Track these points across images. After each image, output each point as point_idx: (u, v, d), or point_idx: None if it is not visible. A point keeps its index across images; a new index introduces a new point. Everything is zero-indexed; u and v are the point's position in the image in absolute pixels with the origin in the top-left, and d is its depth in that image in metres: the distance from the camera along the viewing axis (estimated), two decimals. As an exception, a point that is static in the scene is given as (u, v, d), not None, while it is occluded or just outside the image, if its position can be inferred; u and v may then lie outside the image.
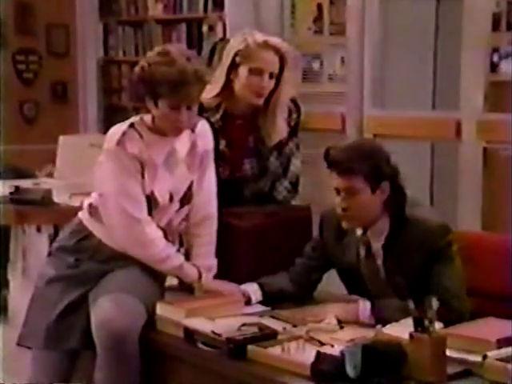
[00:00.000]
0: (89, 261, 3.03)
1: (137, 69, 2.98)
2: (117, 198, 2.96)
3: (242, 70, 3.26)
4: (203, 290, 3.04)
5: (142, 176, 2.97)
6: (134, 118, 3.05)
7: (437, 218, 2.84)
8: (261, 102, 3.30)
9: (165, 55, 2.92)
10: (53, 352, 2.96)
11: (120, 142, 2.95)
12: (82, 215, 3.10)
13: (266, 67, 3.25)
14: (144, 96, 2.95)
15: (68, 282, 3.00)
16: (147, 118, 3.02)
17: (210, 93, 3.28)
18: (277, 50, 3.26)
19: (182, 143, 3.05)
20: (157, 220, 3.02)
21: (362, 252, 2.91)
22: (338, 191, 2.81)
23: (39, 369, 2.98)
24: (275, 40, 3.30)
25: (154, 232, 2.99)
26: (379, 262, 2.88)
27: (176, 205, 3.06)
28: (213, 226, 3.15)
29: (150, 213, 3.00)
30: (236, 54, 3.27)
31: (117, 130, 3.00)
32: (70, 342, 2.94)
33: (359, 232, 2.90)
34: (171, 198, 3.03)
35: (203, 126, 3.12)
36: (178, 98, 2.88)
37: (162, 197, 3.00)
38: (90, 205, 3.08)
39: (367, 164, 2.76)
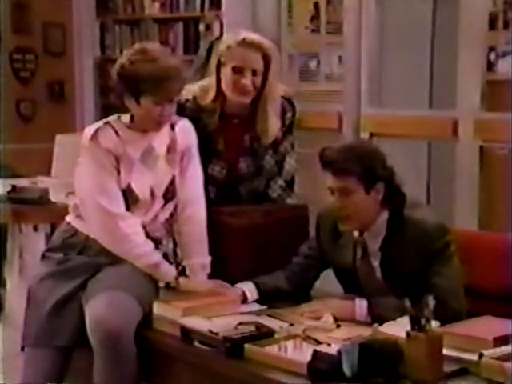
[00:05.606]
0: (78, 256, 3.04)
1: (116, 67, 3.01)
2: (92, 193, 2.99)
3: (226, 70, 3.28)
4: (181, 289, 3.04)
5: (118, 171, 3.00)
6: (111, 117, 3.08)
7: (435, 219, 2.84)
8: (247, 100, 3.30)
9: (144, 53, 2.97)
10: (45, 350, 2.95)
11: (93, 138, 3.00)
12: (69, 217, 3.13)
13: (246, 65, 3.26)
14: (124, 94, 2.98)
15: (58, 278, 3.00)
16: (125, 116, 3.06)
17: (207, 97, 3.32)
18: (257, 47, 3.27)
19: (160, 140, 3.07)
20: (141, 216, 3.04)
21: (359, 253, 2.91)
22: (331, 191, 2.82)
23: (32, 368, 2.97)
24: (254, 37, 3.31)
25: (129, 227, 2.99)
26: (376, 263, 2.88)
27: (160, 200, 3.07)
28: (201, 224, 3.15)
29: (128, 208, 3.01)
30: (220, 55, 3.30)
31: (92, 127, 3.04)
32: (61, 338, 2.93)
33: (356, 234, 2.90)
34: (152, 194, 3.04)
35: (184, 125, 3.16)
36: (161, 94, 2.93)
37: (140, 191, 3.02)
38: (75, 205, 3.11)
39: (361, 165, 2.77)
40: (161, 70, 2.92)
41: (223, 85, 3.31)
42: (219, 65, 3.31)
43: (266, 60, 3.28)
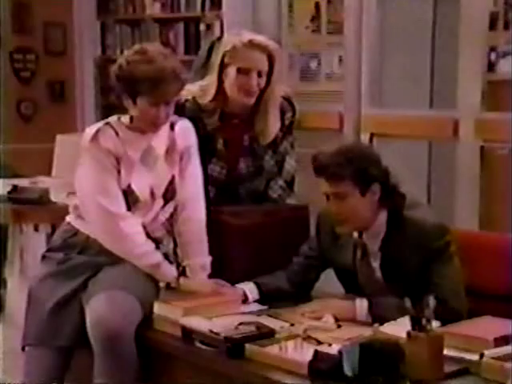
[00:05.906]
0: (78, 255, 3.04)
1: (115, 67, 3.02)
2: (93, 193, 2.99)
3: (231, 71, 3.27)
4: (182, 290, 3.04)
5: (118, 171, 3.00)
6: (111, 117, 3.08)
7: (435, 219, 2.84)
8: (252, 101, 3.30)
9: (143, 54, 2.97)
10: (45, 350, 2.95)
11: (94, 138, 3.00)
12: (69, 217, 3.13)
13: (253, 66, 3.25)
14: (121, 94, 2.98)
15: (58, 278, 3.00)
16: (125, 117, 3.06)
17: (206, 97, 3.31)
18: (263, 49, 3.26)
19: (159, 141, 3.07)
20: (141, 216, 3.04)
21: (359, 254, 2.91)
22: (327, 196, 2.81)
23: (32, 368, 2.97)
24: (261, 38, 3.31)
25: (130, 227, 2.99)
26: (376, 264, 2.88)
27: (160, 201, 3.07)
28: (201, 224, 3.15)
29: (129, 208, 3.01)
30: (224, 55, 3.29)
31: (92, 128, 3.04)
32: (62, 338, 2.93)
33: (355, 235, 2.90)
34: (152, 194, 3.04)
35: (184, 125, 3.15)
36: (157, 96, 2.93)
37: (141, 192, 3.02)
38: (76, 205, 3.11)
39: (354, 168, 2.75)
40: (157, 72, 2.91)
41: (226, 85, 3.30)
42: (222, 65, 3.30)
43: (271, 61, 3.28)
